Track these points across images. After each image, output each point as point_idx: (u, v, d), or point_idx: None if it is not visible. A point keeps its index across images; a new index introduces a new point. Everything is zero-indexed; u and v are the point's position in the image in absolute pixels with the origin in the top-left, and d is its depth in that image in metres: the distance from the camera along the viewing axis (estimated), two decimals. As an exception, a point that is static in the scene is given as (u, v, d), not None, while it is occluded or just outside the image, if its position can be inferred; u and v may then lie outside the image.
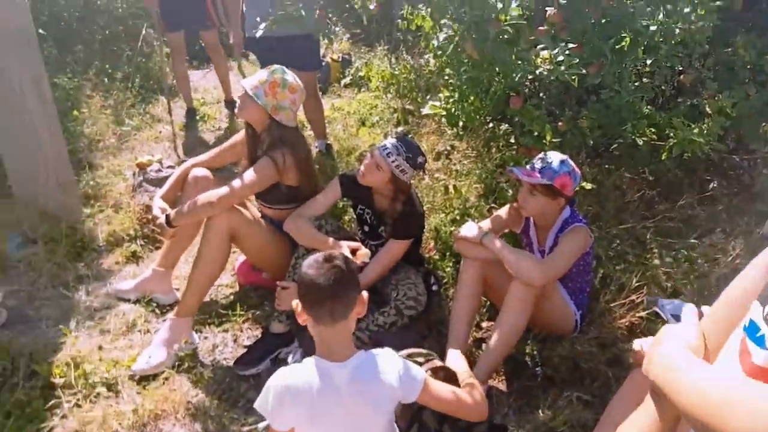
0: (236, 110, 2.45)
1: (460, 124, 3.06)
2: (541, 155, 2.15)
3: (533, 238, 2.30)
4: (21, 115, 2.68)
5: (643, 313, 2.31)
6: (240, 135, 2.53)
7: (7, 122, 2.69)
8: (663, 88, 3.29)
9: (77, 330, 2.31)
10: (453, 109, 2.96)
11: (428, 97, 4.31)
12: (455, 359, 1.81)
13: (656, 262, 2.67)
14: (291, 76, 2.33)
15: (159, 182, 3.14)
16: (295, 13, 2.50)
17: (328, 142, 3.85)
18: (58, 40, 4.77)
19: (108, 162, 3.66)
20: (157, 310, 2.45)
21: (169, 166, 3.36)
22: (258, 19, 2.63)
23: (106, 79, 4.52)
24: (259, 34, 2.56)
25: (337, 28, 5.80)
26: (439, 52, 2.90)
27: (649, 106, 3.03)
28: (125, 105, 4.37)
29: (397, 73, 4.43)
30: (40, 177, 2.83)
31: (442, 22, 2.95)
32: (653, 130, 2.89)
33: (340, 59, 5.43)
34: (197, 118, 4.46)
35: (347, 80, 5.26)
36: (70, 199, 2.95)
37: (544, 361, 2.16)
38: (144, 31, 4.72)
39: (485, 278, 2.17)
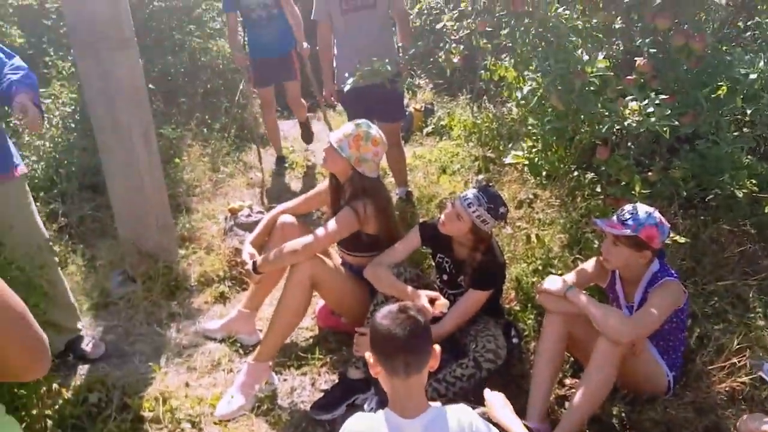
0: (321, 161, 2.55)
1: (544, 173, 3.02)
2: (627, 206, 2.08)
3: (620, 292, 2.19)
4: (130, 164, 2.93)
5: (745, 378, 2.12)
6: (324, 184, 2.64)
7: (119, 170, 2.95)
8: (765, 137, 3.10)
9: (167, 366, 2.44)
10: (536, 159, 2.93)
11: (510, 145, 4.29)
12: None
13: (760, 323, 2.46)
14: (374, 130, 2.41)
15: (248, 226, 3.31)
16: (381, 68, 2.60)
17: (409, 189, 3.91)
18: (165, 94, 5.21)
19: (203, 206, 3.90)
20: (241, 350, 2.54)
21: (259, 212, 3.53)
22: (347, 74, 2.76)
23: (205, 130, 4.86)
24: (347, 88, 2.69)
25: (420, 80, 5.95)
26: (523, 102, 2.90)
27: (749, 156, 2.85)
28: (221, 153, 4.67)
29: (479, 122, 4.46)
30: (142, 220, 3.05)
31: (526, 73, 2.96)
32: (754, 181, 2.71)
33: (423, 109, 5.54)
34: (286, 165, 4.69)
35: (429, 129, 5.34)
36: (167, 241, 3.15)
37: (633, 424, 2.03)
38: (241, 86, 5.07)
39: (569, 333, 2.09)
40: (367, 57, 2.81)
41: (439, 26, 3.35)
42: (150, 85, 4.69)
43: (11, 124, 2.20)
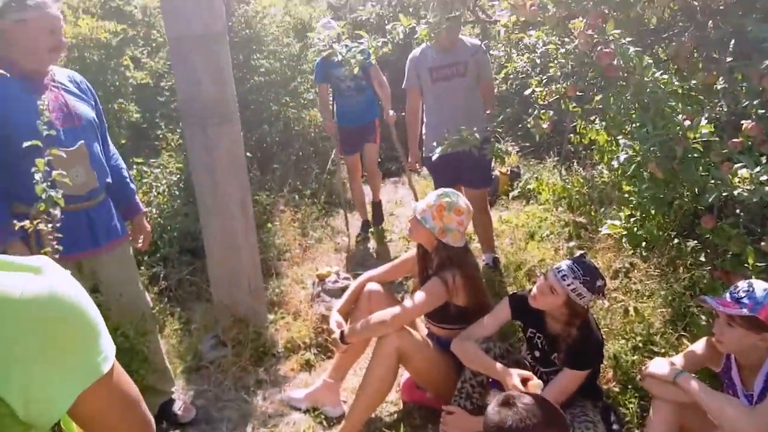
0: (408, 232, 2.55)
1: (643, 244, 2.85)
2: (741, 283, 1.89)
3: (736, 379, 1.97)
4: (228, 229, 3.08)
5: None
6: (412, 252, 2.63)
7: (217, 235, 3.10)
8: None
9: (252, 434, 2.44)
10: (635, 228, 2.77)
11: (602, 209, 4.12)
12: None
13: None
14: (458, 199, 2.39)
15: (335, 293, 3.34)
16: (470, 138, 2.60)
17: (496, 255, 3.82)
18: (261, 161, 5.51)
19: (292, 271, 4.00)
20: (325, 423, 2.51)
21: (345, 277, 3.57)
22: (434, 143, 2.79)
23: (296, 196, 5.06)
24: (435, 157, 2.71)
25: (506, 144, 5.93)
26: (619, 170, 2.79)
27: None
28: (311, 218, 4.82)
29: (569, 186, 4.33)
30: (236, 284, 3.16)
31: (619, 137, 2.85)
32: None
33: (509, 172, 5.48)
34: (371, 231, 4.75)
35: (516, 192, 5.26)
36: (258, 305, 3.24)
37: None
38: (332, 155, 5.29)
39: (680, 424, 1.89)
40: (455, 124, 2.84)
41: (527, 92, 3.34)
42: (248, 153, 5.00)
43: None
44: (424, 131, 3.71)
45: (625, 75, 2.18)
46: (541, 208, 4.68)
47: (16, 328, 0.60)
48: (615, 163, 2.64)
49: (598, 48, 2.30)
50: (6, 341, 0.59)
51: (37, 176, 1.60)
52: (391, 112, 4.41)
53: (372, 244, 4.64)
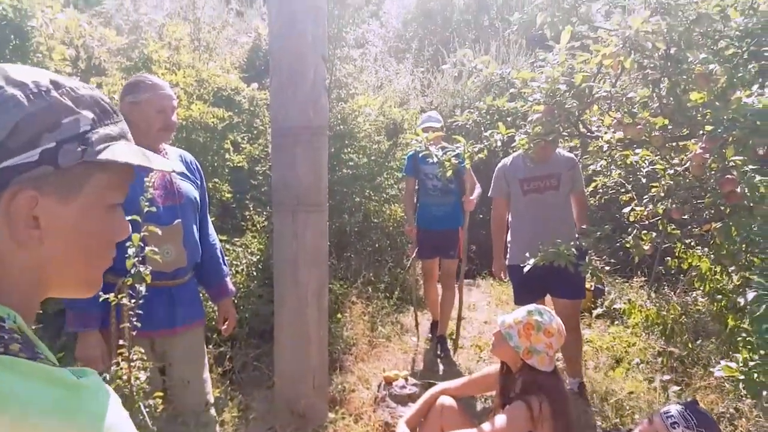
0: (491, 346, 2.37)
1: (764, 393, 2.50)
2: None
3: None
4: (300, 318, 3.01)
5: None
6: (494, 367, 2.43)
7: (288, 323, 3.04)
8: None
9: None
10: (756, 375, 2.45)
11: (698, 341, 3.75)
12: None
13: None
14: (549, 318, 2.21)
15: (402, 399, 3.14)
16: (566, 251, 2.46)
17: (582, 380, 3.49)
18: (338, 250, 5.53)
19: (357, 367, 3.84)
20: None
21: (414, 384, 3.36)
22: (528, 254, 2.66)
23: (369, 288, 4.98)
24: (527, 269, 2.57)
25: (592, 260, 5.67)
26: (742, 304, 2.52)
27: None
28: (381, 313, 4.70)
29: (664, 313, 4.00)
30: (300, 375, 3.04)
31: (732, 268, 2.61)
32: None
33: (593, 288, 5.19)
34: (432, 337, 4.51)
35: (599, 311, 4.94)
36: (320, 402, 3.08)
37: None
38: (412, 255, 5.22)
39: None
40: (546, 237, 2.71)
41: (626, 210, 3.18)
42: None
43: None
44: (509, 239, 3.59)
45: (751, 205, 2.00)
46: (629, 331, 4.34)
47: None
48: (741, 300, 2.39)
49: (718, 174, 2.15)
50: None
51: (130, 250, 1.61)
52: (472, 198, 4.17)
53: (441, 350, 4.41)
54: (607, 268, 5.71)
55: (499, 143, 2.99)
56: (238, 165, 4.98)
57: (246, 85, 5.03)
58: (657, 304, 4.29)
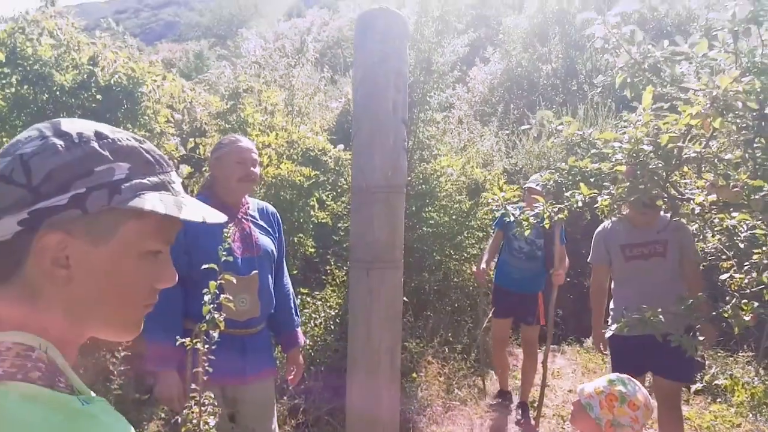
0: (570, 416, 2.23)
1: None
2: None
3: None
4: (372, 375, 2.98)
5: None
6: (571, 441, 2.28)
7: (360, 378, 3.02)
8: None
9: None
10: None
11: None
12: None
13: None
14: (635, 389, 2.06)
15: (474, 468, 2.99)
16: (653, 318, 2.31)
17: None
18: (416, 308, 5.50)
19: (430, 429, 3.73)
20: None
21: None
22: (622, 318, 2.52)
23: (446, 348, 4.88)
24: (608, 335, 2.43)
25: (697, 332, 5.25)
26: None
27: None
28: (458, 375, 4.57)
29: (773, 394, 3.60)
30: (371, 435, 2.99)
31: None
32: None
33: (691, 362, 4.77)
34: (508, 404, 4.29)
35: (699, 386, 4.52)
36: (390, 464, 3.00)
37: None
38: (488, 311, 5.10)
39: None
40: (653, 307, 2.54)
41: (723, 277, 2.95)
42: (405, 298, 5.02)
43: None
44: (611, 307, 3.39)
45: None
46: (733, 410, 3.92)
47: None
48: None
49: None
50: None
51: (206, 297, 1.71)
52: (561, 272, 3.97)
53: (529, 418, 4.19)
54: (701, 337, 5.27)
55: (580, 203, 2.90)
56: (322, 221, 5.16)
57: (333, 146, 5.28)
58: (766, 382, 3.87)
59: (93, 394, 0.66)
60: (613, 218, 3.38)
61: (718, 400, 4.26)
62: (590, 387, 2.12)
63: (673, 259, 3.15)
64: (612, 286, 3.38)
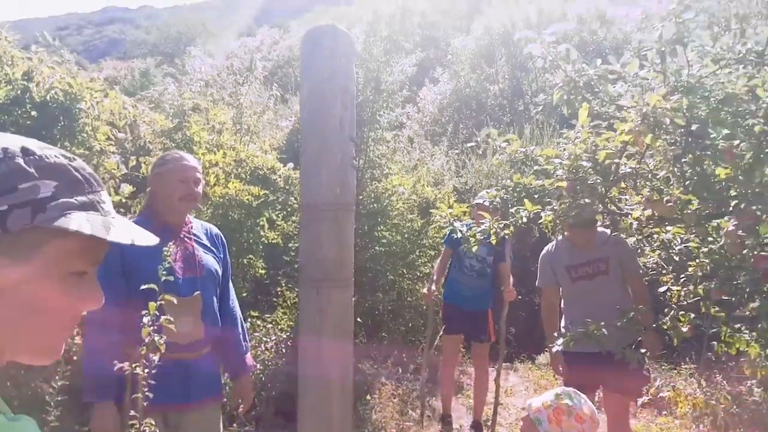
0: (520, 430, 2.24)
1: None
2: None
3: None
4: (323, 397, 2.93)
5: None
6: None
7: (311, 404, 2.96)
8: None
9: None
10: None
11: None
12: None
13: None
14: (580, 402, 2.09)
15: (427, 488, 2.96)
16: (596, 332, 2.36)
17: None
18: (369, 328, 5.47)
19: (384, 453, 3.68)
20: None
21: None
22: (559, 334, 2.57)
23: (400, 369, 4.85)
24: (555, 349, 2.47)
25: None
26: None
27: None
28: (411, 396, 4.54)
29: (713, 402, 3.73)
30: (323, 460, 2.92)
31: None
32: None
33: (636, 374, 4.91)
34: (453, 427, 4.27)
35: (645, 399, 4.64)
36: (342, 489, 2.94)
37: None
38: (432, 331, 5.10)
39: None
40: (581, 318, 2.60)
41: (661, 290, 3.05)
42: (358, 319, 4.98)
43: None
44: (562, 325, 3.44)
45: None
46: (677, 422, 4.04)
47: None
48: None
49: (753, 252, 2.07)
50: None
51: (146, 319, 1.64)
52: (511, 289, 4.04)
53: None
54: (644, 350, 5.44)
55: (524, 219, 2.96)
56: (273, 242, 5.09)
57: (282, 165, 5.23)
58: (707, 393, 4.01)
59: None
60: (557, 239, 3.46)
61: (664, 412, 4.39)
62: (538, 402, 2.14)
63: (615, 275, 3.24)
64: (562, 305, 3.44)
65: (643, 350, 2.91)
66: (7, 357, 0.68)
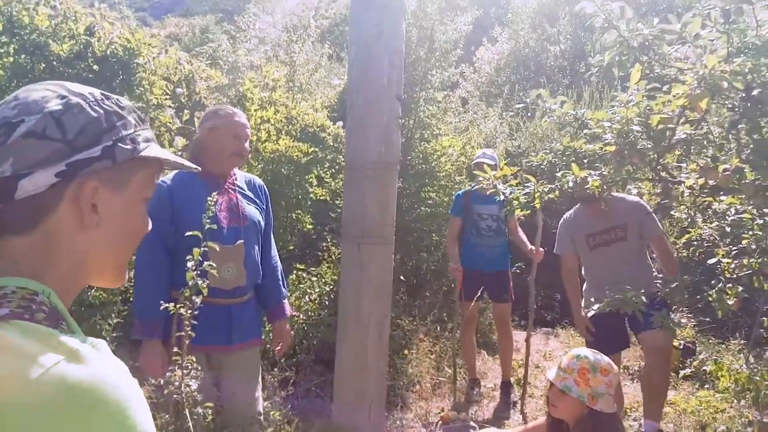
0: (549, 407, 2.24)
1: None
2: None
3: None
4: (360, 349, 3.04)
5: None
6: (540, 421, 2.32)
7: (349, 352, 3.08)
8: None
9: None
10: None
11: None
12: None
13: None
14: (598, 357, 2.10)
15: (456, 441, 3.05)
16: (635, 299, 2.34)
17: (661, 429, 3.18)
18: (412, 287, 5.54)
19: (417, 405, 3.79)
20: None
21: (473, 428, 3.26)
22: (593, 299, 2.56)
23: (438, 327, 4.93)
24: (590, 314, 2.47)
25: (681, 316, 5.26)
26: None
27: None
28: (447, 354, 4.62)
29: (757, 378, 3.63)
30: (357, 406, 3.05)
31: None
32: None
33: (681, 346, 4.81)
34: (475, 391, 4.27)
35: (687, 371, 4.56)
36: (375, 436, 3.07)
37: None
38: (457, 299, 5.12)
39: None
40: (620, 288, 2.57)
41: (711, 261, 2.96)
42: (401, 277, 5.06)
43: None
44: (584, 289, 3.43)
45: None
46: (719, 396, 3.96)
47: (26, 416, 0.54)
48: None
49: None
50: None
51: (190, 264, 1.74)
52: (538, 247, 3.98)
53: (513, 397, 4.24)
54: (694, 322, 5.29)
55: (571, 184, 2.91)
56: (321, 198, 5.18)
57: (332, 123, 5.27)
58: (753, 370, 3.90)
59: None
60: (576, 207, 3.42)
61: (706, 386, 4.30)
62: (560, 370, 2.13)
63: (634, 241, 3.20)
64: (582, 272, 3.43)
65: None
66: (88, 282, 0.77)
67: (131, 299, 2.87)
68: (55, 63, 3.16)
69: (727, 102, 2.23)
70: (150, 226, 0.82)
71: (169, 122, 3.40)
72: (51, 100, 0.69)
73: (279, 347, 2.48)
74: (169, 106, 3.52)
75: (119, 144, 0.72)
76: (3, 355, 0.58)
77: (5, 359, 0.57)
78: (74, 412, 0.56)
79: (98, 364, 0.61)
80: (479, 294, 4.04)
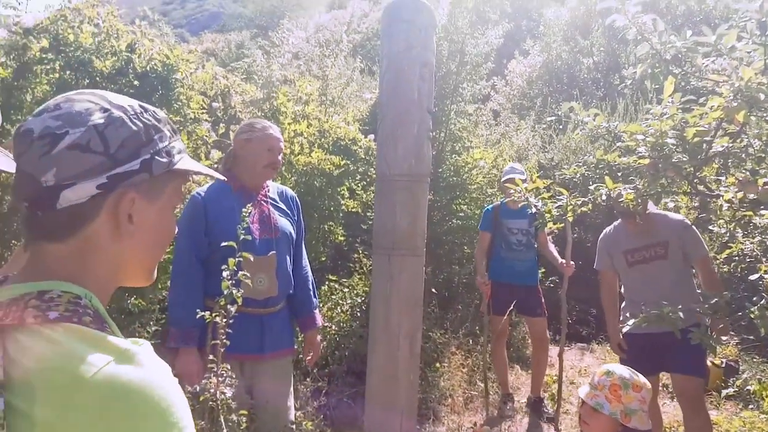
0: (582, 425, 2.21)
1: None
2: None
3: None
4: (391, 361, 3.04)
5: None
6: (580, 433, 2.27)
7: (379, 365, 3.08)
8: None
9: None
10: None
11: None
12: None
13: None
14: (631, 373, 2.06)
15: (488, 456, 3.02)
16: (672, 315, 2.29)
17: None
18: (444, 300, 5.53)
19: (449, 419, 3.77)
20: None
21: (504, 442, 3.23)
22: (628, 314, 2.51)
23: (470, 340, 4.89)
24: (625, 329, 2.42)
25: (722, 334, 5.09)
26: None
27: None
28: (479, 368, 4.58)
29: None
30: (388, 420, 3.05)
31: None
32: None
33: (723, 365, 4.66)
34: (508, 406, 4.20)
35: (730, 391, 4.41)
36: (405, 449, 3.06)
37: None
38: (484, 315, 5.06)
39: None
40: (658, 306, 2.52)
41: (753, 277, 2.88)
42: (433, 290, 5.05)
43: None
44: (622, 307, 3.37)
45: None
46: (764, 417, 3.82)
47: (79, 414, 0.58)
48: None
49: None
50: (68, 427, 0.57)
51: (225, 273, 1.79)
52: (568, 260, 3.88)
53: (546, 413, 4.18)
54: (737, 340, 5.12)
55: (604, 197, 2.88)
56: (353, 210, 5.23)
57: (364, 136, 5.33)
58: (799, 390, 3.76)
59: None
60: (617, 222, 3.37)
61: (750, 406, 4.16)
62: (591, 388, 2.10)
63: (676, 260, 3.12)
64: (621, 290, 3.36)
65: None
66: (122, 282, 0.82)
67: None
68: (98, 79, 3.29)
69: (766, 115, 2.18)
70: (177, 230, 0.86)
71: (206, 135, 3.50)
72: (94, 113, 0.72)
73: (310, 357, 2.51)
74: (206, 120, 3.63)
75: (156, 157, 0.76)
76: (56, 357, 0.62)
77: (59, 361, 0.61)
78: (125, 410, 0.60)
79: (146, 364, 0.65)
80: (511, 308, 4.00)
